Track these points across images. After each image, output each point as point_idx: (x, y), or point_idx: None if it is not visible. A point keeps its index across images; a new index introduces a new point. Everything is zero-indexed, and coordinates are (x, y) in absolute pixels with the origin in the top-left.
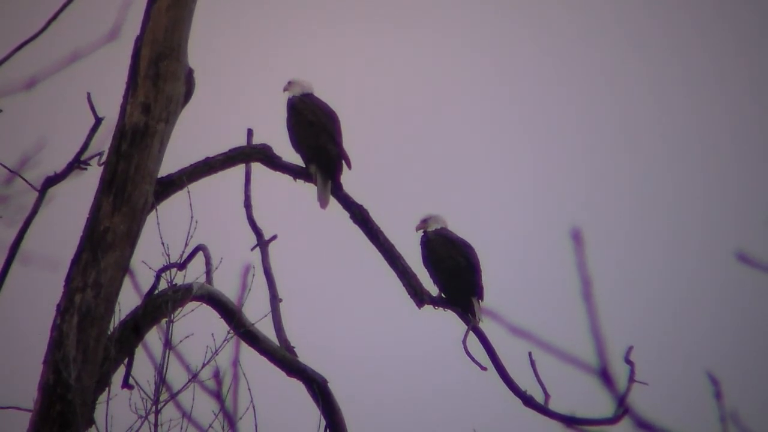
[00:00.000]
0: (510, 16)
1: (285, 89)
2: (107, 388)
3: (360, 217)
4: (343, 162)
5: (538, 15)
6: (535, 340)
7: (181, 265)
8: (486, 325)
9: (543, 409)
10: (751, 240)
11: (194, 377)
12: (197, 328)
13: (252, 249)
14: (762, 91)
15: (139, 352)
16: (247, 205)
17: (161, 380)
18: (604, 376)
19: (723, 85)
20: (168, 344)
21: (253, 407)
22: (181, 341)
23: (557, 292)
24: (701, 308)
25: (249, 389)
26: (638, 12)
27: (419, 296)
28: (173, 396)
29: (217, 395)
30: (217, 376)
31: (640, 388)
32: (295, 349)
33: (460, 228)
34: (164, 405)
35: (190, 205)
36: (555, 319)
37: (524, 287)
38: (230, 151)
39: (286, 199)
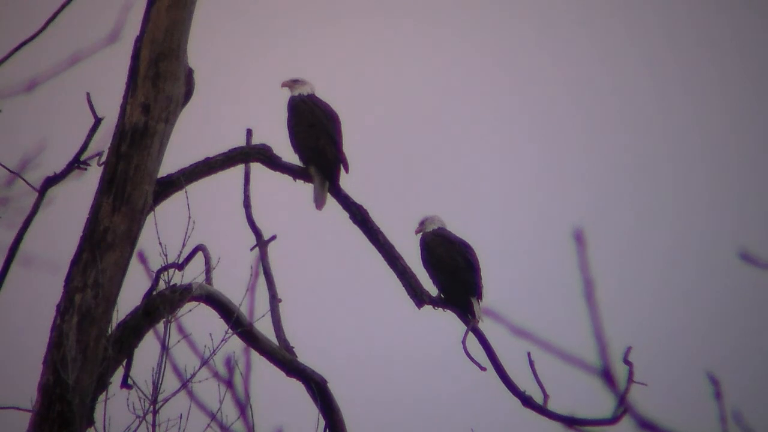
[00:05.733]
0: (512, 15)
1: (285, 84)
2: (106, 388)
3: (359, 217)
4: (341, 165)
5: (540, 14)
6: (537, 340)
7: (181, 266)
8: (485, 325)
9: (542, 410)
10: (754, 239)
11: (192, 378)
12: (196, 327)
13: (251, 249)
14: (764, 91)
15: (138, 352)
16: (247, 205)
17: (159, 380)
18: (606, 376)
19: (725, 85)
20: (166, 345)
21: (251, 407)
22: (179, 341)
23: (559, 292)
24: (704, 308)
25: (247, 389)
26: (640, 13)
27: (419, 296)
28: (171, 396)
29: (228, 383)
30: (229, 363)
31: (642, 388)
32: (294, 349)
33: (461, 228)
34: (162, 405)
35: (188, 205)
36: (557, 319)
37: (526, 287)
38: (230, 151)
39: (286, 200)
